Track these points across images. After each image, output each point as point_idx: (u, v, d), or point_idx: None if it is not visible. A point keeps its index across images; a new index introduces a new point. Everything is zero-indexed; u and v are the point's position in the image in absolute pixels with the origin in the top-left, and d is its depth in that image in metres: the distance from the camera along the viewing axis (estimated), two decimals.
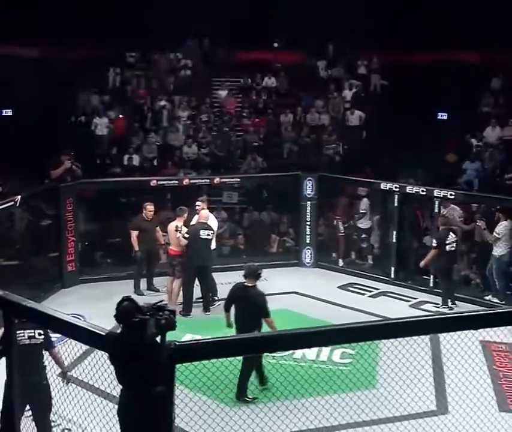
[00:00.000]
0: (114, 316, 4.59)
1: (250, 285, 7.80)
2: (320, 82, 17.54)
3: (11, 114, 15.16)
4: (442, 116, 15.67)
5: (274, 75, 17.65)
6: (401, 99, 15.30)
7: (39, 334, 5.98)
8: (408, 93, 15.28)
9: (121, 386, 4.62)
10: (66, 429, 6.61)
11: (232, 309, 7.96)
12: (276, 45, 18.76)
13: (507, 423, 6.71)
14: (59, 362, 6.11)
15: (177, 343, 4.55)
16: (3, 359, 5.53)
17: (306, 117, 16.42)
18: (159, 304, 4.59)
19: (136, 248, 10.43)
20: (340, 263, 12.14)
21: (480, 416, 6.44)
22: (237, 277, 11.39)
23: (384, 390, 7.20)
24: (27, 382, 5.53)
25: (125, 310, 4.51)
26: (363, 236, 12.13)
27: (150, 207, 10.47)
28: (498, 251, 10.13)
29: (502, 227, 10.13)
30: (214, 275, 10.61)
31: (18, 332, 5.73)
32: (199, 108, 16.83)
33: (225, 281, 10.95)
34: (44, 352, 6.15)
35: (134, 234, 10.42)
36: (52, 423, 6.55)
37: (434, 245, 10.33)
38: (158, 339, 4.45)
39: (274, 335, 5.01)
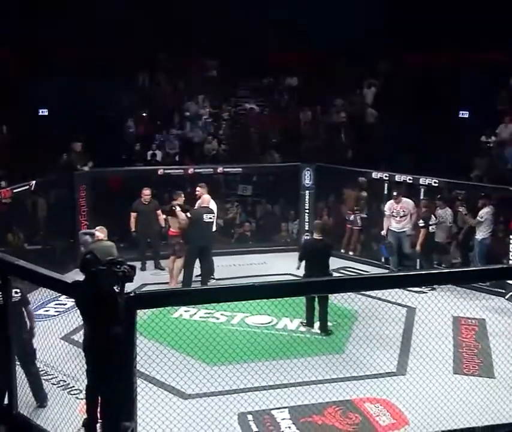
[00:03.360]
0: (79, 266, 5.45)
1: (319, 238, 9.34)
2: (340, 81, 18.07)
3: (46, 113, 16.17)
4: (464, 114, 16.07)
5: (296, 75, 18.25)
6: (422, 97, 15.75)
7: (15, 292, 6.66)
8: (429, 92, 15.71)
9: (85, 326, 5.48)
10: (62, 380, 7.49)
11: None
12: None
13: (458, 382, 7.33)
14: (31, 319, 6.94)
15: (136, 292, 5.39)
16: None
17: (324, 115, 16.96)
18: (119, 259, 5.42)
19: (133, 229, 11.46)
20: (351, 253, 12.63)
21: (434, 376, 7.16)
22: (241, 260, 12.38)
23: (353, 356, 7.95)
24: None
25: (86, 261, 5.34)
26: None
27: (146, 192, 11.39)
28: (480, 234, 10.70)
29: (484, 211, 10.70)
30: (220, 258, 11.44)
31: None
32: (221, 107, 17.61)
33: (225, 264, 11.78)
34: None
35: (132, 216, 11.49)
36: (48, 376, 7.50)
37: (421, 225, 10.99)
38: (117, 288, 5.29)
39: (220, 288, 5.79)
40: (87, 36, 16.27)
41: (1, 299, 6.24)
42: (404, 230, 11.41)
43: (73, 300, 5.94)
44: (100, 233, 9.04)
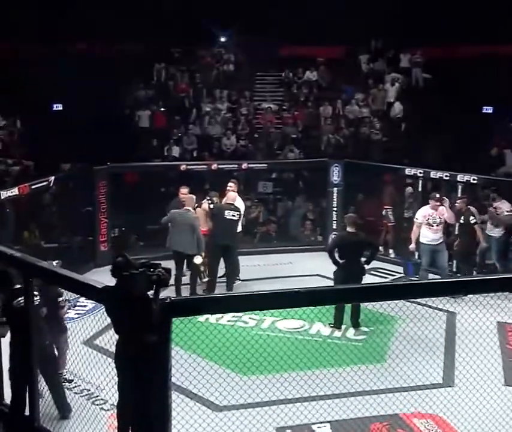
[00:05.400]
0: (110, 270, 4.97)
1: (352, 231, 9.01)
2: (361, 76, 17.59)
3: (61, 108, 15.77)
4: (487, 110, 15.60)
5: (316, 69, 17.82)
6: (445, 93, 15.28)
7: (35, 296, 6.22)
8: (452, 87, 15.26)
9: (117, 335, 4.99)
10: (86, 389, 7.01)
11: None
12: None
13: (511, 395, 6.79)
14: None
15: (172, 298, 4.90)
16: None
17: (345, 109, 16.53)
18: (152, 262, 4.93)
19: None
20: (391, 253, 11.89)
21: (485, 388, 6.59)
22: (266, 260, 11.85)
23: (396, 365, 7.40)
24: None
25: (118, 265, 4.87)
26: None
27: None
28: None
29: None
30: (243, 257, 10.88)
31: (20, 298, 5.94)
32: (239, 102, 17.18)
33: (250, 264, 11.25)
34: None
35: None
36: (70, 384, 7.02)
37: (473, 221, 10.19)
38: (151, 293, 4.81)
39: (254, 295, 5.24)
40: (101, 30, 15.92)
41: (22, 302, 5.84)
42: (441, 241, 9.97)
43: (96, 303, 5.49)
44: (188, 202, 9.81)
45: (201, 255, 9.81)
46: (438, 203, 9.94)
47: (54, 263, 7.21)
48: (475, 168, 11.48)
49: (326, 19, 17.01)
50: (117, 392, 4.98)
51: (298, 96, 17.50)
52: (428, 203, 10.08)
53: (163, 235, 10.98)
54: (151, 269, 4.82)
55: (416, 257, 10.77)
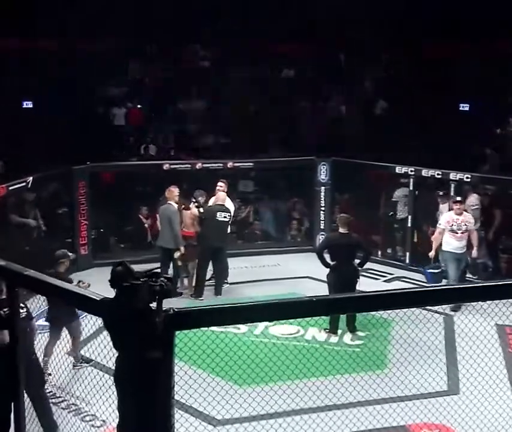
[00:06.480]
0: (108, 281, 4.56)
1: (345, 232, 8.66)
2: (341, 73, 17.38)
3: (31, 106, 15.24)
4: (464, 107, 15.52)
5: (294, 66, 17.55)
6: (423, 90, 15.14)
7: (21, 308, 5.83)
8: (430, 84, 15.13)
9: (116, 352, 4.59)
10: (73, 404, 6.58)
11: None
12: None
13: None
14: (31, 336, 6.00)
15: (176, 309, 4.51)
16: None
17: (325, 107, 16.28)
18: (154, 270, 4.53)
19: None
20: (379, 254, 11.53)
21: (492, 396, 6.32)
22: (253, 262, 11.51)
23: (396, 371, 7.09)
24: None
25: (118, 275, 4.43)
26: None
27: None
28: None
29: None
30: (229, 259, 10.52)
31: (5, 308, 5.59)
32: (216, 99, 16.85)
33: (236, 266, 10.91)
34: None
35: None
36: (56, 399, 6.58)
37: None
38: (154, 305, 4.43)
39: (261, 304, 4.87)
40: (74, 26, 15.43)
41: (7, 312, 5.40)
42: (464, 250, 9.36)
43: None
44: (168, 195, 9.66)
45: (179, 250, 9.53)
46: (458, 205, 9.38)
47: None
48: (458, 167, 11.35)
49: (304, 16, 16.83)
50: (118, 412, 4.59)
51: (277, 94, 17.23)
52: (429, 205, 10.09)
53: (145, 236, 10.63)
54: (153, 279, 4.45)
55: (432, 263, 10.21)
